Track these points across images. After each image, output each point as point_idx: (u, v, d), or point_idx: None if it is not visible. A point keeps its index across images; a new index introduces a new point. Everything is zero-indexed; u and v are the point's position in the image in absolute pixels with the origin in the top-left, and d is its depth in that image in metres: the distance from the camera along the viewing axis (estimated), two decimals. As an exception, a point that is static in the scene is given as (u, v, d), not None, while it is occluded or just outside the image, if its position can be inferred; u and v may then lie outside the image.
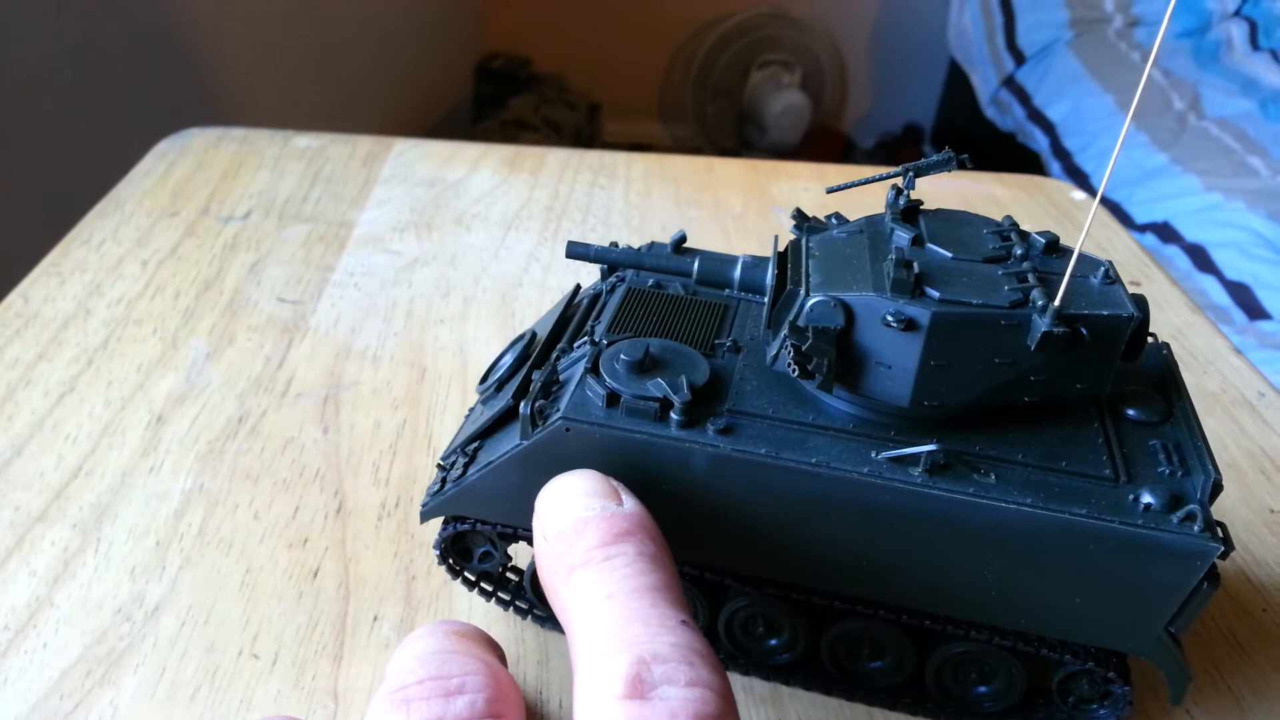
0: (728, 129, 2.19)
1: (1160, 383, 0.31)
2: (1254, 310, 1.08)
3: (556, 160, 0.67)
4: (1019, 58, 1.73)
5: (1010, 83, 1.72)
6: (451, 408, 0.44)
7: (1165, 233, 1.26)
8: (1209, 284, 1.15)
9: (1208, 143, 1.35)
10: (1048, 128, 1.59)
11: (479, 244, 0.57)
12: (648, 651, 0.21)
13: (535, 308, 0.51)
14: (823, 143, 2.19)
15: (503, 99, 2.02)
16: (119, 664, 0.32)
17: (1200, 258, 1.19)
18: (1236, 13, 1.61)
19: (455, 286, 0.53)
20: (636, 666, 0.21)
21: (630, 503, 0.26)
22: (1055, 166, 1.52)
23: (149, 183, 0.62)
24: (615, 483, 0.27)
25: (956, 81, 1.93)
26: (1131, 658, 0.30)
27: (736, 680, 0.32)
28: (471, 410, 0.35)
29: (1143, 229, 1.28)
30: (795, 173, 0.66)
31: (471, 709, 0.22)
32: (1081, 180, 1.44)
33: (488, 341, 0.48)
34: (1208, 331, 0.51)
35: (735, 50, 2.11)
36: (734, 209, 0.62)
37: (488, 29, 2.16)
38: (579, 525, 0.25)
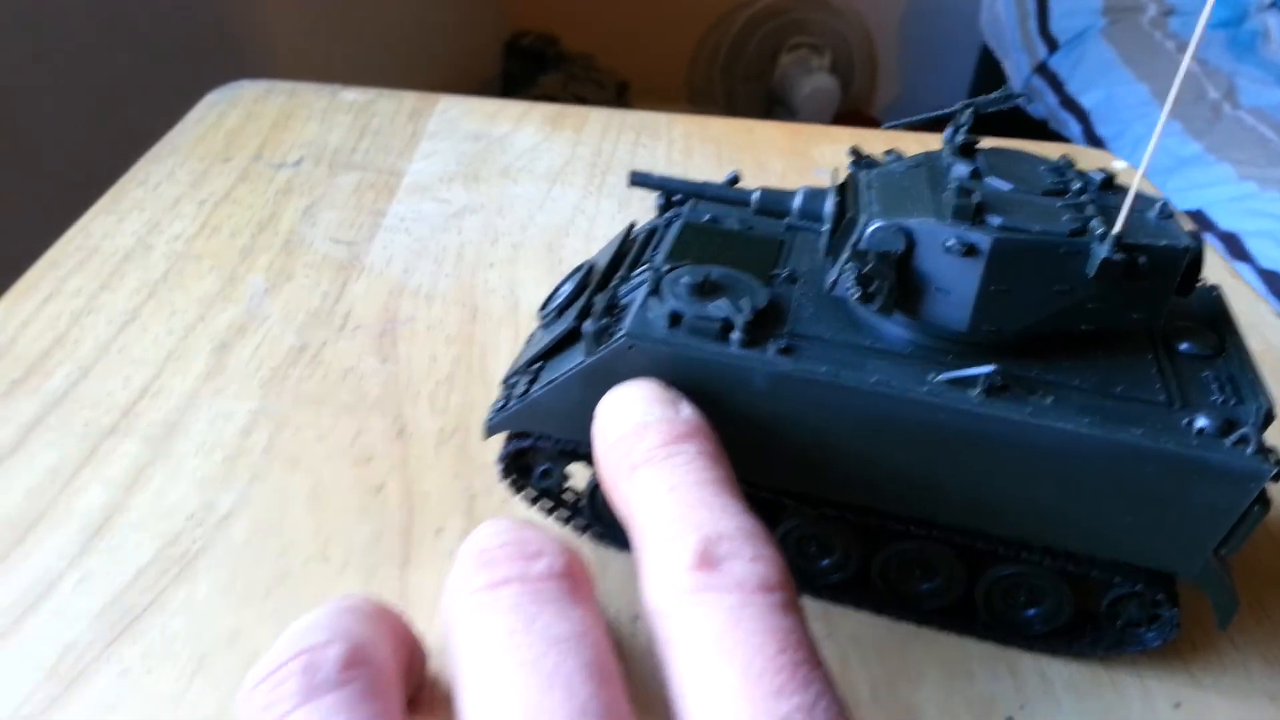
0: (756, 111, 2.19)
1: (1212, 321, 0.32)
2: (1286, 297, 1.08)
3: (598, 120, 0.68)
4: (1052, 44, 1.72)
5: (1043, 69, 1.71)
6: (504, 345, 0.45)
7: (1199, 221, 1.25)
8: (1242, 272, 1.15)
9: (1243, 132, 1.34)
10: (1081, 115, 1.58)
11: (525, 195, 0.58)
12: (713, 531, 0.23)
13: (583, 254, 0.52)
14: (851, 127, 2.18)
15: (532, 77, 2.03)
16: (193, 564, 0.34)
17: (1234, 246, 1.19)
18: (1273, 4, 1.60)
19: (503, 234, 0.54)
20: (704, 543, 0.22)
21: (688, 409, 0.27)
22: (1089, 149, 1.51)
23: (201, 130, 0.63)
24: (674, 391, 0.28)
25: (988, 67, 1.92)
26: (1180, 585, 0.30)
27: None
28: (532, 335, 0.36)
29: (1175, 216, 1.27)
30: (835, 136, 0.67)
31: (550, 569, 0.23)
32: (1113, 167, 1.44)
33: (537, 285, 0.49)
34: (1248, 295, 0.51)
35: (764, 32, 2.10)
36: (775, 170, 0.63)
37: (517, 7, 2.16)
38: (640, 428, 0.26)
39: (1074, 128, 1.57)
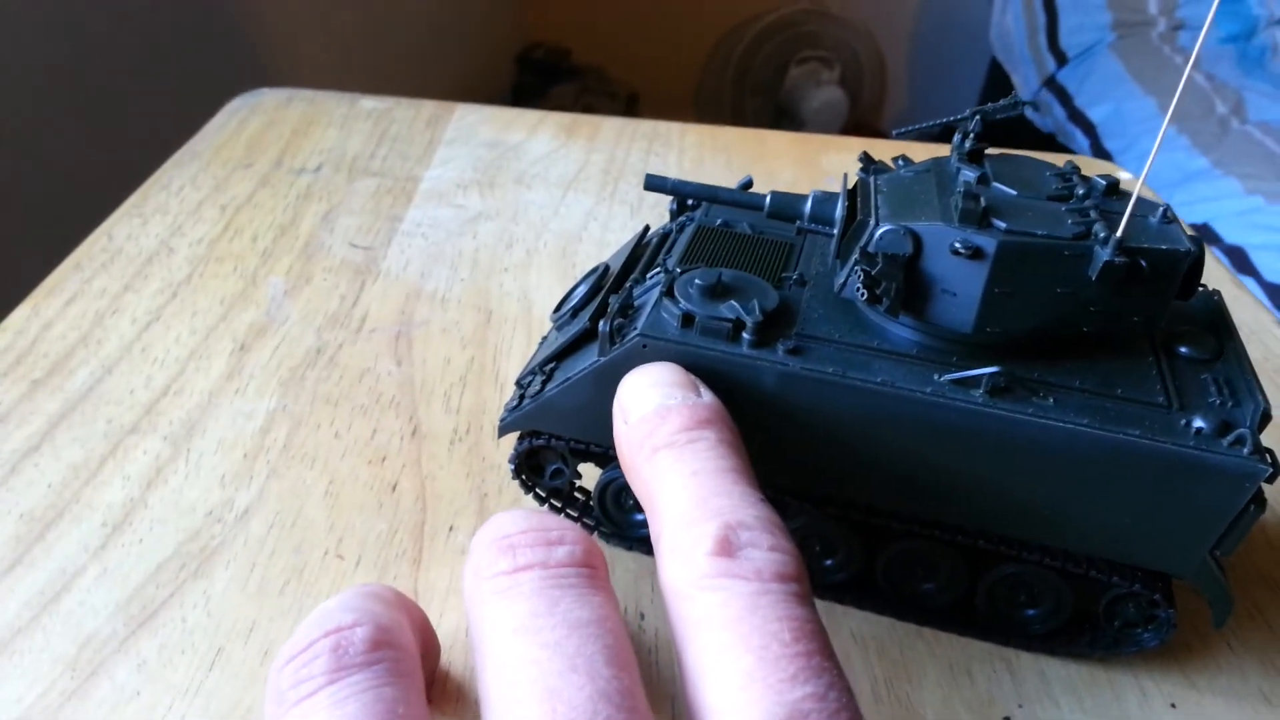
0: (765, 124, 2.20)
1: (1212, 325, 0.32)
2: (1293, 311, 1.08)
3: (611, 128, 0.69)
4: (1061, 58, 1.72)
5: (1051, 83, 1.72)
6: (517, 348, 0.46)
7: (1205, 235, 1.25)
8: (1248, 285, 1.15)
9: (1250, 146, 1.34)
10: (1088, 129, 1.59)
11: (539, 201, 0.59)
12: (733, 519, 0.23)
13: (595, 260, 0.53)
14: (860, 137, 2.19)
15: (544, 89, 2.05)
16: (211, 559, 0.34)
17: (1239, 260, 1.19)
18: (1283, 19, 1.60)
19: (518, 239, 0.55)
20: (725, 530, 0.23)
21: (709, 395, 0.28)
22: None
23: (223, 137, 0.64)
24: (694, 377, 0.29)
25: (996, 81, 1.93)
26: (1176, 586, 0.31)
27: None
28: (545, 337, 0.37)
29: (1182, 230, 1.28)
30: (845, 145, 0.68)
31: (571, 557, 0.24)
32: (1121, 181, 1.44)
33: (550, 289, 0.50)
34: (1252, 305, 0.52)
35: (774, 45, 2.11)
36: (785, 179, 0.63)
37: (529, 20, 2.19)
38: (662, 410, 0.27)
39: (1082, 141, 1.58)
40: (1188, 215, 1.29)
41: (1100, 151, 1.53)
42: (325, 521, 0.36)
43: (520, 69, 2.14)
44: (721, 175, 0.63)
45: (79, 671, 0.31)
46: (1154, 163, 0.29)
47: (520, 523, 0.25)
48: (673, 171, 0.64)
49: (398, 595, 0.27)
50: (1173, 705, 0.32)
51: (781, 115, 2.19)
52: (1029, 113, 1.75)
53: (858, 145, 0.67)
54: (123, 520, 0.36)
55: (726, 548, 0.23)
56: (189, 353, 0.44)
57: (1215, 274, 0.55)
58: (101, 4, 0.92)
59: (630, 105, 2.12)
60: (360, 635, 0.23)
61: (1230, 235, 1.22)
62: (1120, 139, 1.52)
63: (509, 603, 0.23)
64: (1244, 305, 0.52)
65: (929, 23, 2.19)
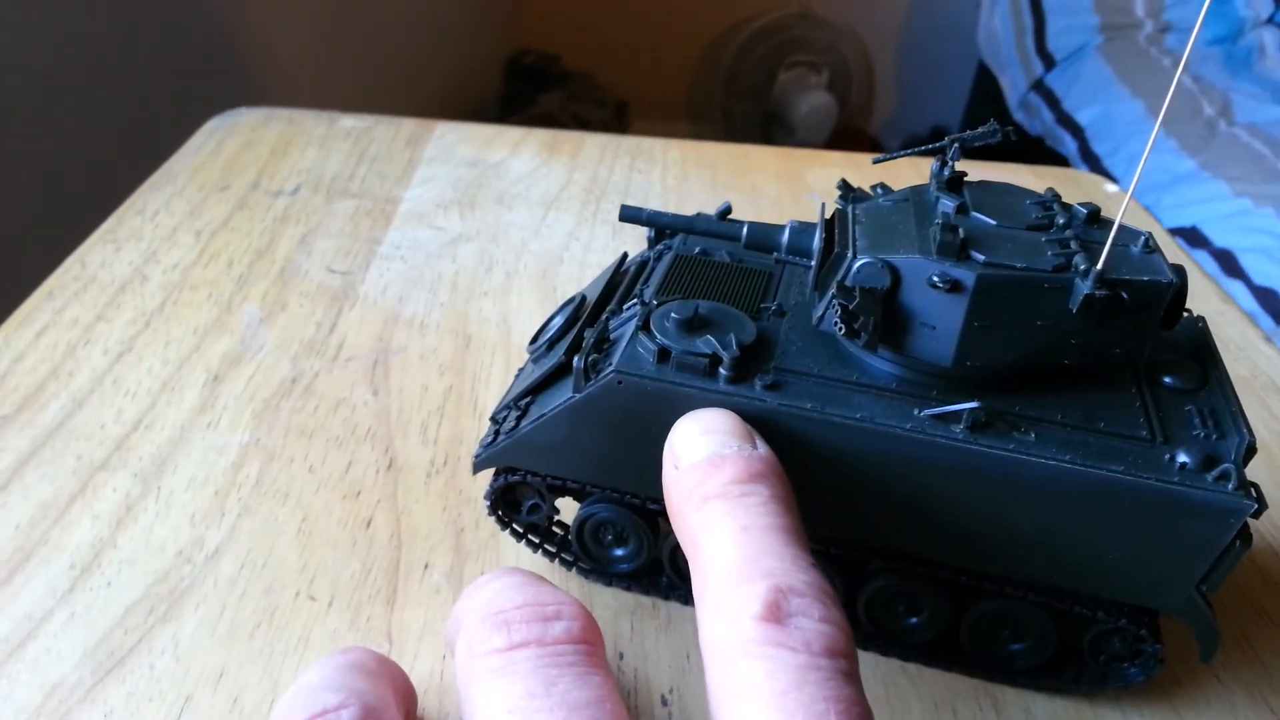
0: (754, 129, 2.20)
1: (1196, 353, 0.32)
2: (1282, 315, 1.08)
3: (594, 145, 0.68)
4: (1049, 61, 1.72)
5: (1039, 86, 1.72)
6: (496, 375, 0.45)
7: (1193, 237, 1.25)
8: (1236, 289, 1.15)
9: (1238, 149, 1.34)
10: (1076, 132, 1.59)
11: (520, 222, 0.58)
12: (784, 583, 0.22)
13: (576, 283, 0.52)
14: (849, 144, 2.19)
15: (533, 95, 2.04)
16: (181, 602, 0.34)
17: (1228, 262, 1.19)
18: (1269, 20, 1.61)
19: (498, 261, 0.54)
20: (775, 594, 0.22)
21: (764, 448, 0.27)
22: (1083, 171, 1.52)
23: (199, 158, 0.64)
24: (749, 427, 0.28)
25: (985, 84, 1.93)
26: (1163, 620, 0.30)
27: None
28: (521, 370, 0.36)
29: (1171, 233, 1.27)
30: (829, 160, 0.67)
31: (569, 634, 0.23)
32: (1110, 184, 1.44)
33: (530, 314, 0.50)
34: (1239, 320, 0.51)
35: (763, 50, 2.11)
36: (769, 194, 0.63)
37: (518, 26, 2.18)
38: (716, 459, 0.26)
39: (1070, 144, 1.58)
40: (1176, 218, 1.29)
41: (1088, 155, 1.53)
42: (298, 561, 0.35)
43: (508, 75, 2.13)
44: (706, 191, 0.63)
45: (44, 723, 0.30)
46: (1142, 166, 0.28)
47: (515, 596, 0.24)
48: (656, 188, 0.63)
49: (379, 661, 0.26)
50: (1161, 740, 0.31)
51: (771, 120, 2.19)
52: (1018, 116, 1.76)
53: (842, 160, 0.67)
54: (91, 561, 0.35)
55: (775, 613, 0.21)
56: (161, 384, 0.44)
57: (1201, 287, 0.55)
58: (76, 23, 0.91)
59: (619, 112, 2.12)
60: (347, 718, 0.22)
61: (1219, 238, 1.22)
62: (1108, 141, 1.52)
63: (504, 682, 0.22)
64: (1230, 321, 0.51)
65: (917, 26, 2.19)
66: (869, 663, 0.33)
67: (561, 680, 0.22)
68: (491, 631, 0.23)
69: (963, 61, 2.04)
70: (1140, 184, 0.28)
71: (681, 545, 0.26)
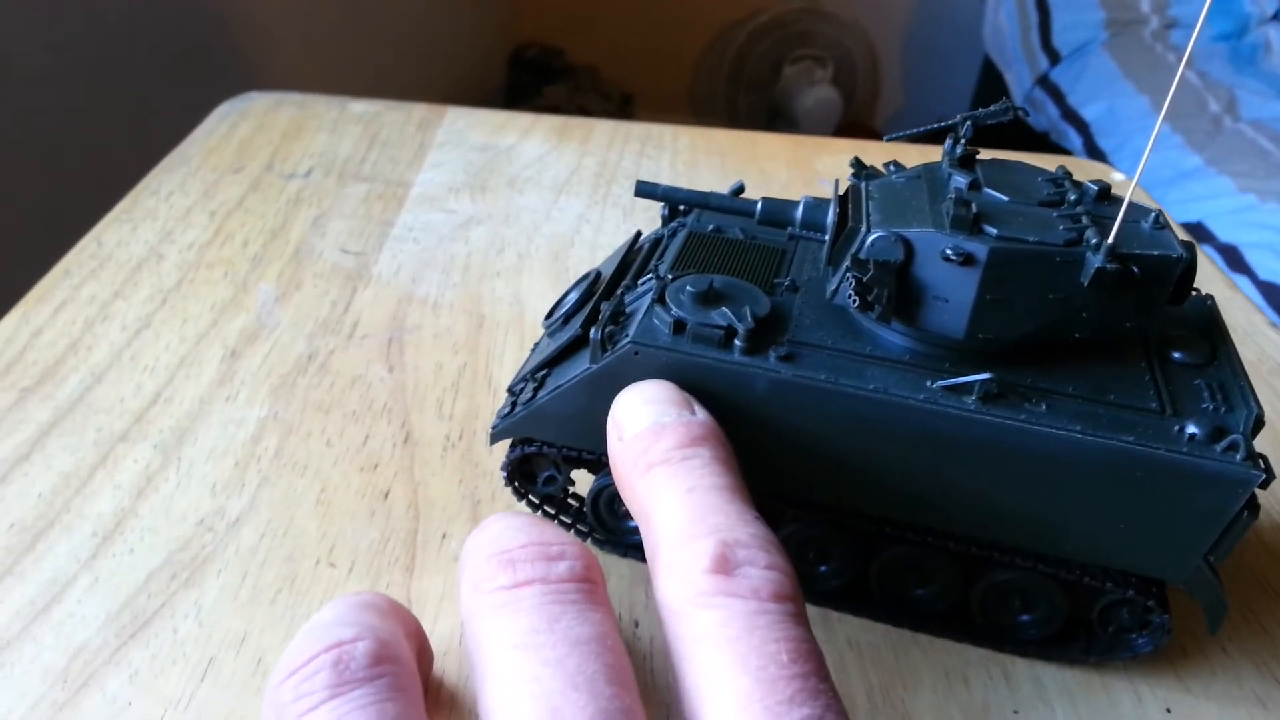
0: (758, 123, 2.20)
1: (1205, 330, 0.32)
2: (1286, 309, 1.09)
3: (604, 131, 0.69)
4: (1054, 57, 1.73)
5: (1044, 82, 1.72)
6: (510, 353, 0.46)
7: (1198, 233, 1.26)
8: (1241, 284, 1.15)
9: (1243, 144, 1.35)
10: (1081, 127, 1.59)
11: (531, 205, 0.59)
12: (730, 537, 0.23)
13: (588, 264, 0.53)
14: (854, 138, 2.19)
15: (537, 88, 2.05)
16: (203, 569, 0.34)
17: (1233, 258, 1.20)
18: (1275, 16, 1.61)
19: (510, 244, 0.55)
20: (722, 548, 0.23)
21: (702, 413, 0.28)
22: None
23: (212, 141, 0.64)
24: (688, 395, 0.29)
25: (990, 79, 1.93)
26: (1171, 592, 0.31)
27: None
28: (537, 344, 0.37)
29: (1175, 228, 1.28)
30: (838, 148, 0.68)
31: (571, 572, 0.24)
32: (1114, 179, 1.45)
33: (543, 294, 0.50)
34: (1245, 306, 0.52)
35: (768, 44, 2.11)
36: (779, 180, 0.63)
37: (521, 19, 2.18)
38: (657, 428, 0.27)
39: (1075, 140, 1.58)
40: (1181, 214, 1.29)
41: (1093, 150, 1.53)
42: (317, 530, 0.36)
43: (513, 69, 2.13)
44: (715, 177, 0.63)
45: (70, 683, 0.30)
46: (1147, 161, 0.28)
47: (519, 536, 0.25)
48: (666, 174, 0.64)
49: (391, 604, 0.26)
50: (1168, 710, 0.31)
51: (775, 114, 2.19)
52: (1020, 113, 1.75)
53: (851, 147, 0.67)
54: (113, 530, 0.36)
55: (723, 565, 0.23)
56: (179, 360, 0.44)
57: (1208, 274, 0.55)
58: (88, 9, 0.92)
59: (624, 105, 2.12)
60: (361, 650, 0.23)
61: (1224, 234, 1.22)
62: (1113, 137, 1.52)
63: (509, 618, 0.23)
64: (1238, 306, 0.52)
65: (922, 21, 2.19)
66: (880, 633, 0.33)
67: (564, 617, 0.23)
68: (497, 569, 0.24)
69: (968, 57, 2.04)
70: (1145, 179, 0.29)
71: (632, 513, 0.28)
